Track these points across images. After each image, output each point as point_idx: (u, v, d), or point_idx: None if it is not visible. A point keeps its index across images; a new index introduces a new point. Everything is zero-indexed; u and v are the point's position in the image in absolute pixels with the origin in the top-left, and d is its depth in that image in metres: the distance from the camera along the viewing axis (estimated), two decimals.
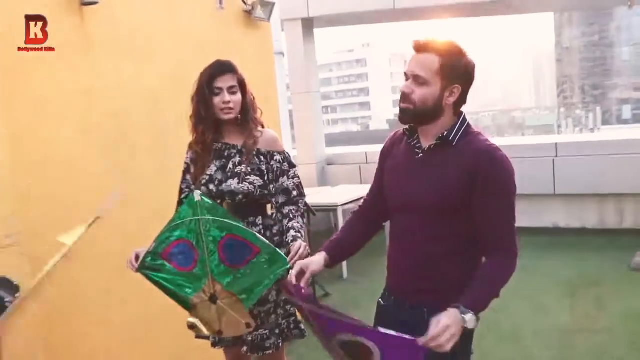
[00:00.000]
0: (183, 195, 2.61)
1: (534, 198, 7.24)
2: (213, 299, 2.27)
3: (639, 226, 6.79)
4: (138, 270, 2.36)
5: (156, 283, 2.37)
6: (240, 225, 2.23)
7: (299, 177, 2.58)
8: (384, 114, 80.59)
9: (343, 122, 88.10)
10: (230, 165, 2.50)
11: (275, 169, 2.52)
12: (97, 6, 3.02)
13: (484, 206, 1.85)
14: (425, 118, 1.88)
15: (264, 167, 2.50)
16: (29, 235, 2.69)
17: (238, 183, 2.46)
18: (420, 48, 1.85)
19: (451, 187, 1.85)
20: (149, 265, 2.35)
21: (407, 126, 1.98)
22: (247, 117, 2.54)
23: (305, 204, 2.63)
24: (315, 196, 6.48)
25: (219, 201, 2.47)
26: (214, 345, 2.62)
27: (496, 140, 9.46)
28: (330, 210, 6.32)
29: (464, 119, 1.92)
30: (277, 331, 2.52)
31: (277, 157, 2.53)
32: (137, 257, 2.36)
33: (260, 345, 2.50)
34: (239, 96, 2.49)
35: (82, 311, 3.00)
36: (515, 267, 1.87)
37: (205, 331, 2.38)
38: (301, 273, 1.94)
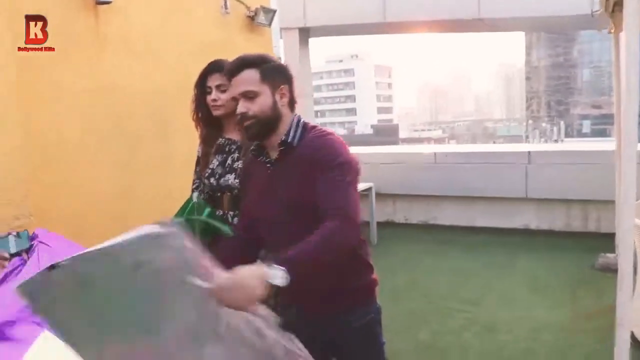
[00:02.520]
0: (194, 186, 2.53)
1: (508, 201, 7.19)
2: None
3: (601, 230, 6.74)
4: None
5: None
6: (229, 231, 2.14)
7: None
8: (368, 119, 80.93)
9: (331, 126, 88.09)
10: (229, 161, 2.40)
11: None
12: (110, 6, 2.92)
13: (320, 182, 1.70)
14: (269, 126, 1.79)
15: None
16: (38, 218, 2.59)
17: (234, 178, 2.34)
18: (234, 71, 1.79)
19: (299, 185, 1.75)
20: None
21: (254, 146, 1.89)
22: None
23: None
24: None
25: (218, 194, 2.38)
26: None
27: (471, 148, 9.59)
28: None
29: (299, 120, 1.85)
30: None
31: None
32: None
33: None
34: (229, 93, 2.37)
35: None
36: (350, 234, 1.66)
37: None
38: None
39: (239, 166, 2.36)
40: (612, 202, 5.46)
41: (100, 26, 2.94)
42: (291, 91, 1.84)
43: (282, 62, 1.84)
